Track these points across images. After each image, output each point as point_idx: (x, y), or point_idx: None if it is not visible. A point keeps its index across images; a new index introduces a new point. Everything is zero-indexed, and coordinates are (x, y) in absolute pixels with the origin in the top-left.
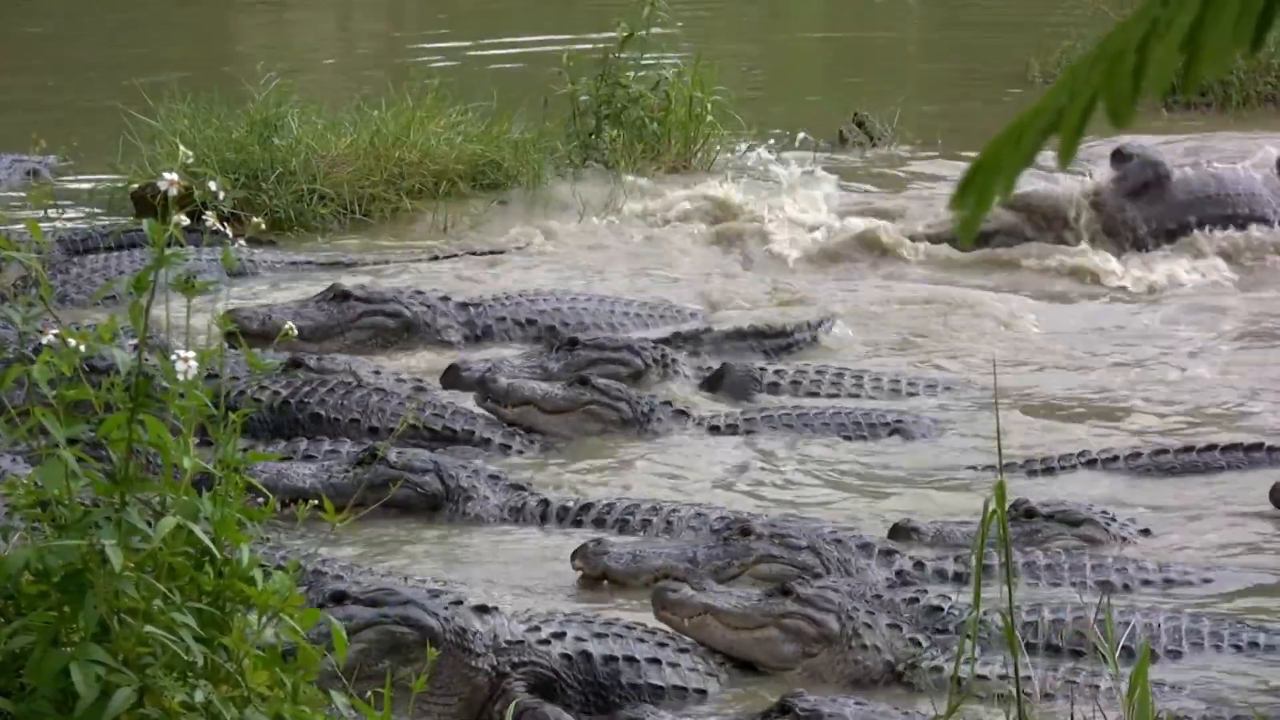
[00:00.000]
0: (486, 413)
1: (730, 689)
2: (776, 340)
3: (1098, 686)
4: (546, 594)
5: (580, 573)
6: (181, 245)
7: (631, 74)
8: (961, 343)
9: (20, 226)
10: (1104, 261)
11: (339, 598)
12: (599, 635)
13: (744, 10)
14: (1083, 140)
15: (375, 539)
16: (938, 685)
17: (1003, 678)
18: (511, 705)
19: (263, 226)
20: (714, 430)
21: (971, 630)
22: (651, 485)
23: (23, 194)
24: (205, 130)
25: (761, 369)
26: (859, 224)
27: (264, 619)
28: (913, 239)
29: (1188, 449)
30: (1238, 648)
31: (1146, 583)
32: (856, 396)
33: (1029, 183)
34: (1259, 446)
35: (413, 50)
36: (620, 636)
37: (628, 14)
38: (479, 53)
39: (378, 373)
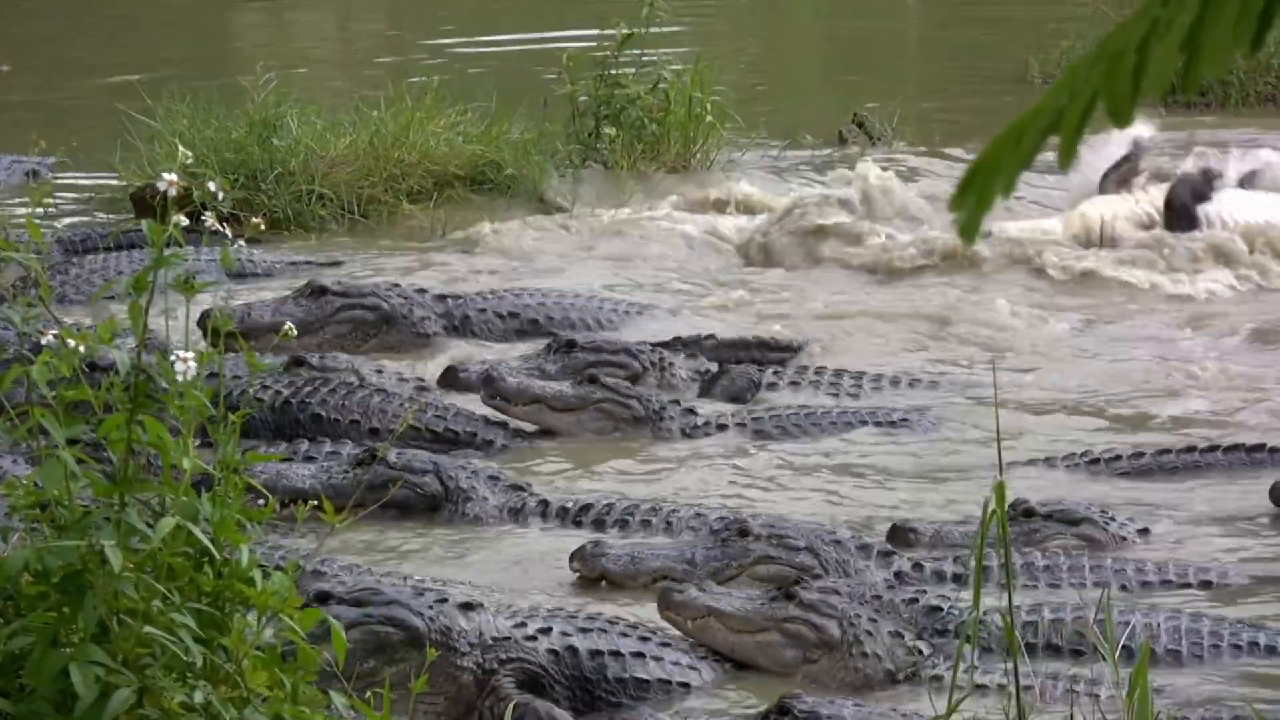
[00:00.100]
0: (490, 414)
1: (730, 689)
2: (780, 354)
3: (1097, 696)
4: (546, 594)
5: (578, 574)
6: (181, 246)
7: (631, 73)
8: (961, 342)
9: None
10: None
11: (323, 598)
12: (584, 630)
13: (743, 10)
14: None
15: (375, 540)
16: (939, 691)
17: (1002, 687)
18: (511, 706)
19: (262, 227)
20: (721, 429)
21: (971, 630)
22: (654, 485)
23: (22, 195)
24: (204, 131)
25: (760, 371)
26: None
27: (263, 619)
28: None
29: (1190, 449)
30: (1237, 647)
31: (1145, 584)
32: (855, 397)
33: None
34: (1260, 447)
35: (412, 50)
36: (605, 631)
37: (627, 14)
38: (479, 52)
39: (380, 371)
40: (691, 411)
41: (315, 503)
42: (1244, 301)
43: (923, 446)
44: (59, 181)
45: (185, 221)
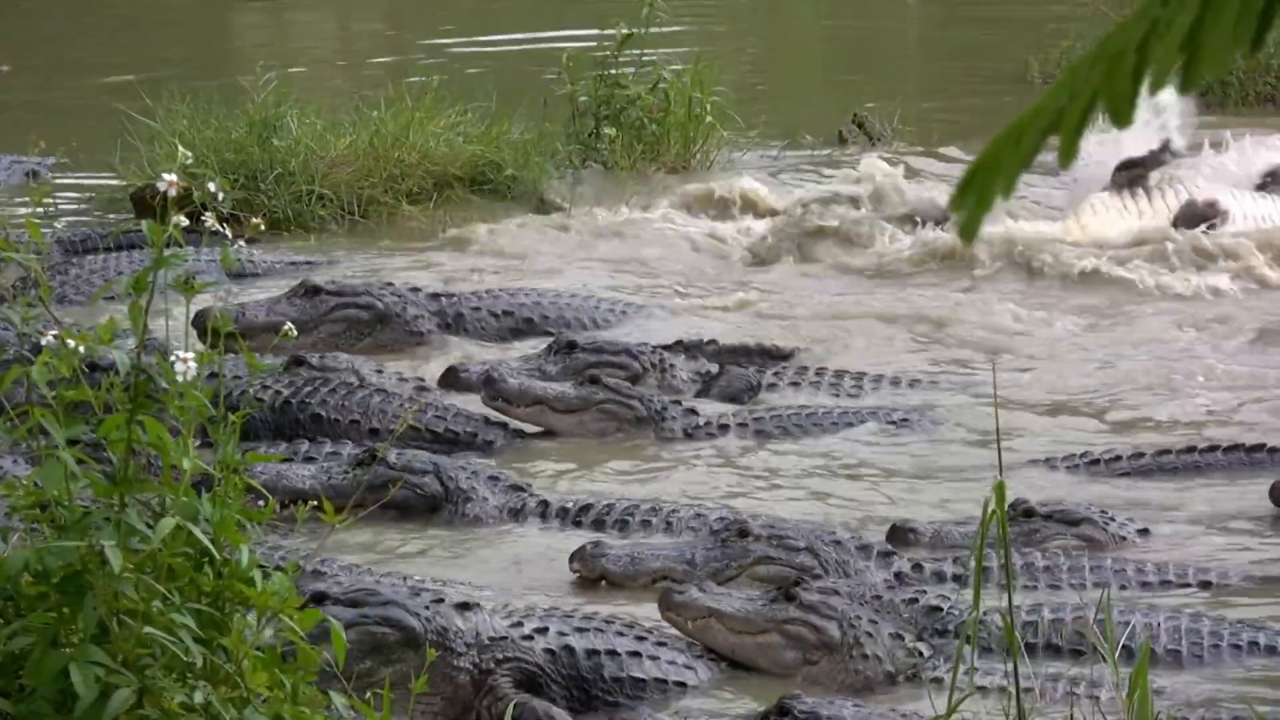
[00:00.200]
0: (490, 414)
1: (729, 690)
2: (778, 360)
3: (1097, 697)
4: (546, 595)
5: (578, 574)
6: (181, 246)
7: (631, 73)
8: (961, 343)
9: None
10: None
11: (319, 598)
12: (580, 629)
13: (743, 9)
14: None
15: (375, 540)
16: (939, 693)
17: (1003, 689)
18: (510, 706)
19: (262, 227)
20: (723, 428)
21: (971, 631)
22: (654, 485)
23: (22, 195)
24: (204, 131)
25: (760, 372)
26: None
27: (263, 620)
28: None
29: (1190, 449)
30: (1237, 647)
31: (1145, 584)
32: (856, 397)
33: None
34: (1260, 447)
35: (412, 50)
36: (601, 630)
37: (627, 13)
38: (478, 52)
39: (380, 371)
40: (693, 411)
41: (315, 503)
42: (1247, 302)
43: (923, 447)
44: (59, 182)
45: (185, 222)
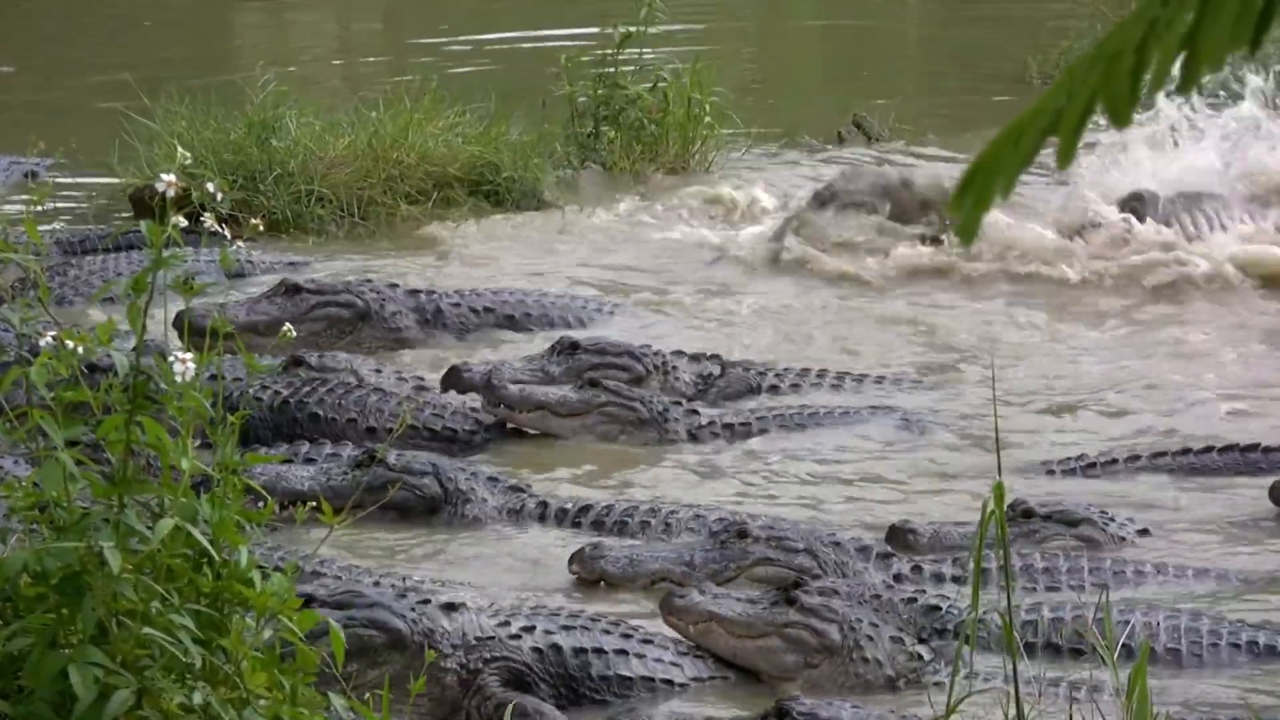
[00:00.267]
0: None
1: (728, 691)
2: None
3: (1097, 699)
4: (545, 596)
5: (577, 576)
6: (180, 247)
7: (630, 71)
8: (961, 345)
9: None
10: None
11: (305, 601)
12: (567, 628)
13: (743, 9)
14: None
15: (374, 541)
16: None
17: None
18: (510, 707)
19: (260, 228)
20: (727, 428)
21: (970, 631)
22: (653, 486)
23: (21, 196)
24: (203, 131)
25: (760, 373)
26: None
27: (262, 621)
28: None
29: (1185, 450)
30: (1237, 647)
31: (1144, 585)
32: (856, 397)
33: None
34: (1255, 447)
35: (411, 50)
36: (587, 629)
37: (626, 13)
38: (478, 52)
39: (379, 371)
40: (695, 412)
41: (314, 504)
42: (1249, 304)
43: (921, 447)
44: (58, 182)
45: (184, 222)
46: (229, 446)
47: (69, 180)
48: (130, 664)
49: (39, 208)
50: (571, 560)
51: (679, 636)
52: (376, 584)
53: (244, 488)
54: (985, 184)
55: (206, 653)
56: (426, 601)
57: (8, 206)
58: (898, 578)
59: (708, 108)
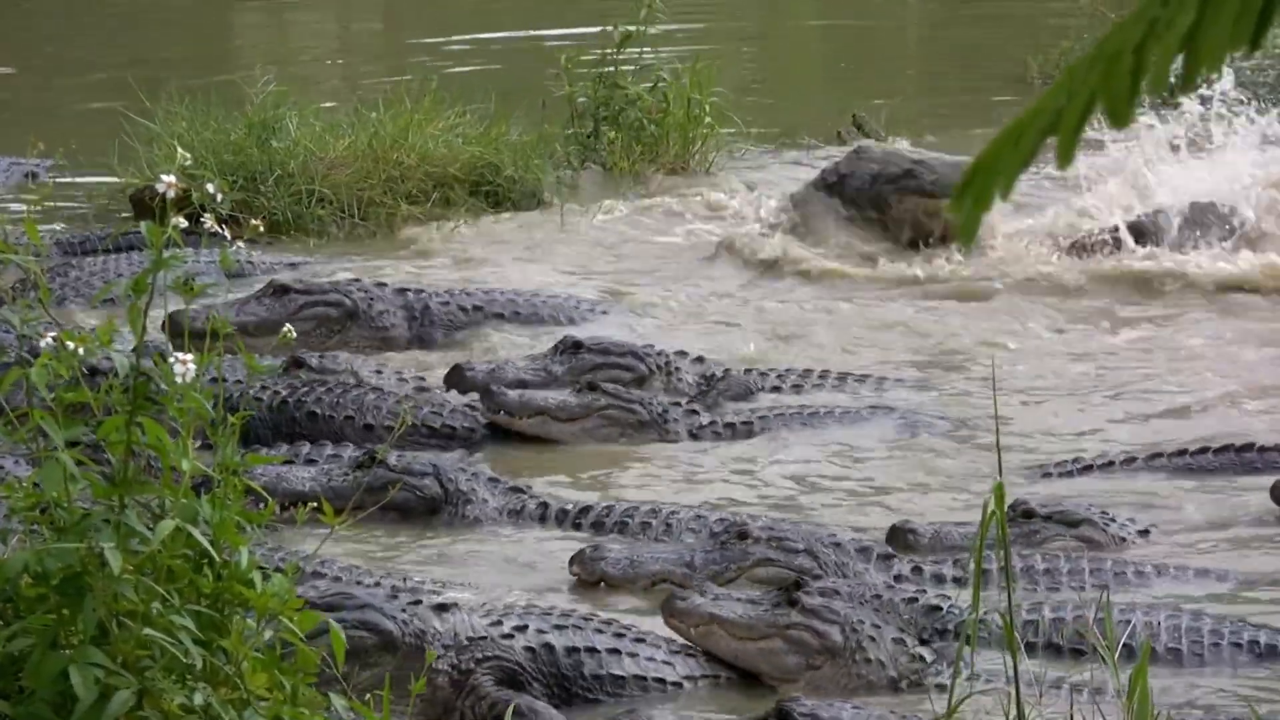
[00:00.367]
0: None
1: (728, 693)
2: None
3: (1098, 700)
4: (545, 597)
5: (577, 577)
6: (180, 248)
7: (630, 71)
8: (962, 347)
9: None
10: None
11: None
12: (559, 627)
13: (743, 9)
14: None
15: (375, 542)
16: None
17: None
18: (511, 708)
19: (261, 229)
20: (729, 427)
21: (971, 632)
22: (654, 487)
23: (21, 197)
24: (203, 132)
25: (762, 374)
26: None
27: (263, 621)
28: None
29: (1181, 451)
30: (1238, 646)
31: (1145, 586)
32: (856, 398)
33: None
34: (1250, 446)
35: (411, 50)
36: (579, 628)
37: (626, 12)
38: (478, 52)
39: (379, 372)
40: (694, 412)
41: (315, 505)
42: (1250, 306)
43: (921, 447)
44: (57, 183)
45: (184, 223)
46: (230, 447)
47: (69, 181)
48: (131, 665)
49: (39, 209)
50: (572, 562)
51: (671, 635)
52: (377, 584)
53: (244, 488)
54: (985, 184)
55: (207, 653)
56: (418, 602)
57: (8, 207)
58: (898, 578)
59: (708, 108)
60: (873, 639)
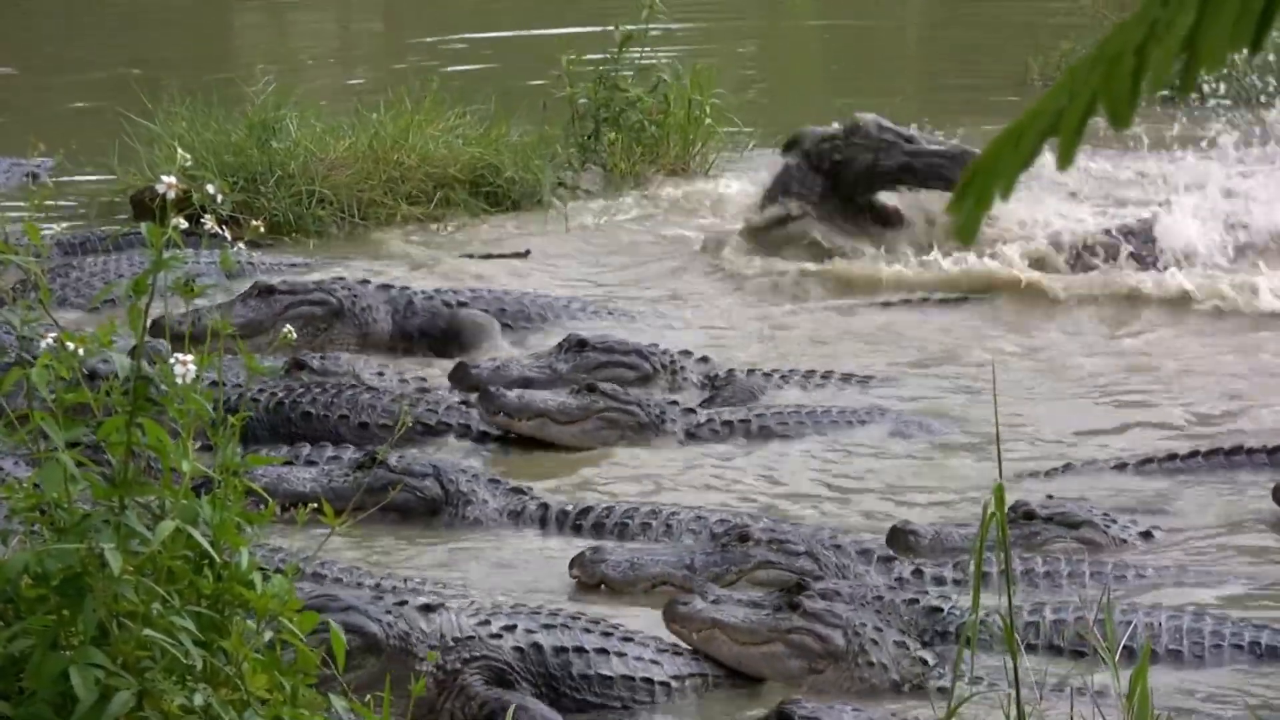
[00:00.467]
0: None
1: (729, 694)
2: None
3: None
4: (545, 598)
5: (577, 580)
6: (180, 248)
7: (631, 73)
8: (963, 349)
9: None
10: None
11: None
12: (548, 626)
13: (743, 9)
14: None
15: (375, 543)
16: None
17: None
18: (512, 710)
19: (261, 230)
20: (726, 425)
21: (972, 634)
22: (654, 487)
23: (21, 198)
24: (203, 133)
25: (766, 375)
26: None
27: (263, 622)
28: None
29: (1172, 456)
30: (1239, 648)
31: (1146, 589)
32: (858, 398)
33: None
34: (1239, 449)
35: (411, 50)
36: (568, 627)
37: (627, 12)
38: (477, 52)
39: (381, 373)
40: (691, 411)
41: (315, 506)
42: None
43: (922, 448)
44: (58, 183)
45: (185, 224)
46: (230, 448)
47: (69, 181)
48: (131, 665)
49: (40, 212)
50: (572, 564)
51: (659, 634)
52: (378, 585)
53: (245, 489)
54: (985, 185)
55: (207, 654)
56: (404, 603)
57: (8, 208)
58: (899, 580)
59: (708, 109)
60: (875, 642)
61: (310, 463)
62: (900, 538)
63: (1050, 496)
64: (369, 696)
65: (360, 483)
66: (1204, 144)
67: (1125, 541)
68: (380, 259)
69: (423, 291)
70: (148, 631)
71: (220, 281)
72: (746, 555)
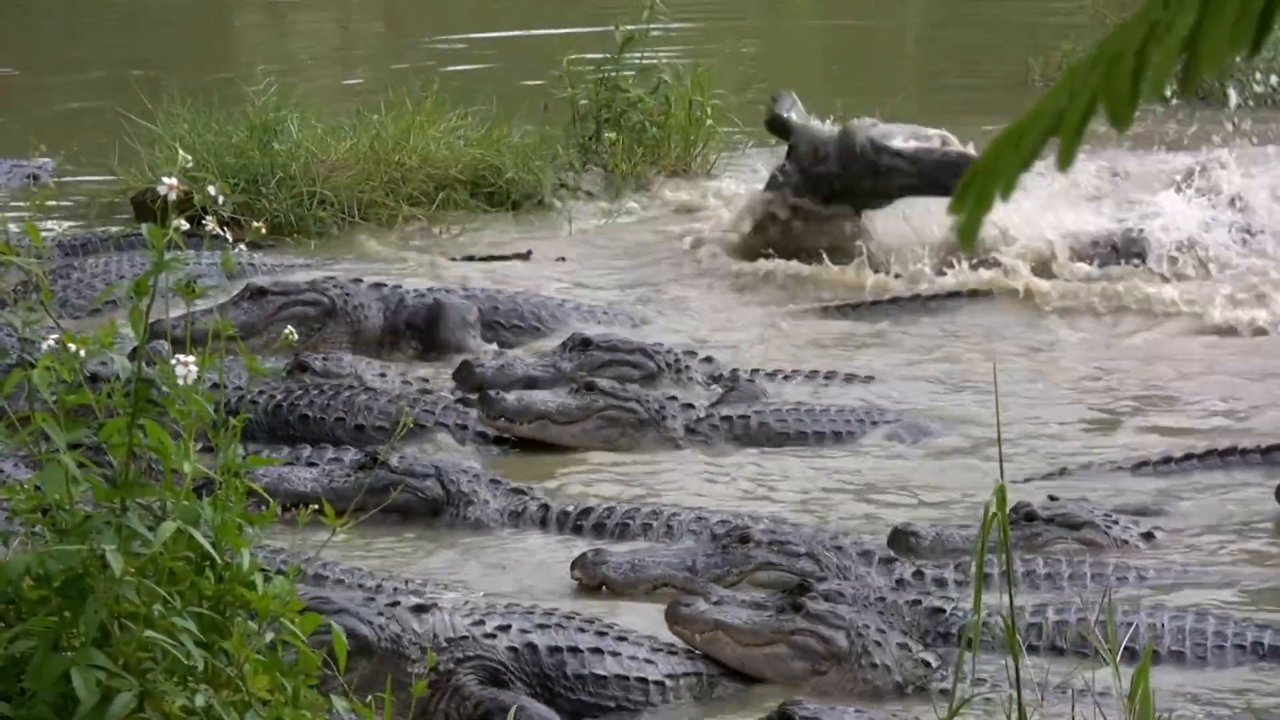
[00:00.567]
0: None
1: (731, 696)
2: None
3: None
4: (545, 599)
5: (579, 581)
6: (181, 250)
7: (632, 74)
8: (965, 351)
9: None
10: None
11: None
12: (542, 626)
13: (743, 9)
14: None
15: (376, 543)
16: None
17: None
18: (513, 711)
19: (263, 231)
20: (726, 420)
21: (973, 635)
22: (655, 487)
23: (23, 198)
24: (205, 134)
25: (769, 375)
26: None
27: (264, 623)
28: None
29: (1166, 459)
30: (1242, 648)
31: (1148, 590)
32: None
33: None
34: (1232, 450)
35: (412, 51)
36: (562, 627)
37: (627, 13)
38: (478, 52)
39: (384, 374)
40: (691, 406)
41: (316, 506)
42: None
43: (923, 449)
44: (59, 184)
45: (186, 226)
46: (231, 449)
47: (70, 182)
48: (132, 666)
49: (41, 213)
50: (574, 566)
51: (653, 634)
52: (379, 587)
53: (246, 490)
54: (986, 186)
55: (208, 655)
56: (396, 604)
57: (10, 209)
58: (900, 581)
59: (709, 110)
60: (878, 644)
61: (311, 464)
62: (901, 539)
63: (1051, 497)
64: (370, 698)
65: (361, 483)
66: (1225, 142)
67: (1127, 543)
68: (380, 260)
69: (415, 289)
70: (149, 633)
71: (221, 283)
72: (747, 557)
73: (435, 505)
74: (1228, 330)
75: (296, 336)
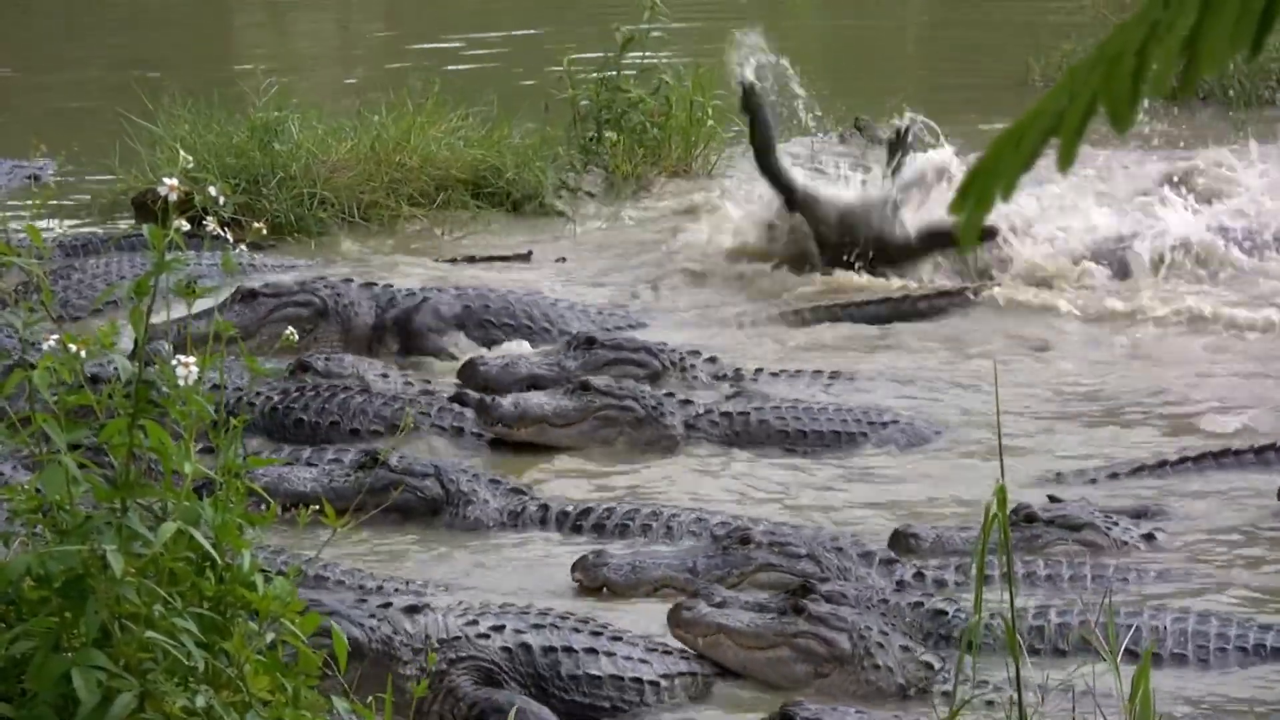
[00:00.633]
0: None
1: (732, 697)
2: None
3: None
4: (545, 600)
5: (579, 583)
6: (182, 250)
7: (633, 75)
8: (966, 351)
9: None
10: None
11: None
12: (536, 626)
13: (743, 9)
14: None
15: (376, 543)
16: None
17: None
18: (513, 711)
19: (264, 231)
20: (724, 416)
21: (974, 636)
22: (655, 487)
23: (24, 199)
24: (205, 135)
25: (774, 375)
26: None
27: (265, 624)
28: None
29: (1162, 463)
30: (1244, 650)
31: (1149, 591)
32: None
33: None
34: (1227, 452)
35: (413, 52)
36: (556, 627)
37: (627, 14)
38: (479, 52)
39: (385, 375)
40: (689, 403)
41: (316, 506)
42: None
43: (924, 450)
44: (59, 184)
45: (186, 226)
46: (232, 450)
47: (71, 183)
48: (133, 667)
49: (42, 213)
50: (574, 567)
51: (648, 633)
52: (380, 588)
53: (246, 491)
54: (986, 186)
55: (209, 656)
56: (388, 605)
57: (10, 209)
58: (901, 583)
59: (710, 110)
60: (880, 645)
61: (310, 465)
62: (902, 540)
63: (1052, 498)
64: (370, 699)
65: (361, 483)
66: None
67: (1127, 544)
68: (380, 260)
69: (405, 289)
70: (150, 633)
71: (222, 284)
72: (748, 558)
73: (435, 505)
74: (1228, 330)
75: (297, 337)
